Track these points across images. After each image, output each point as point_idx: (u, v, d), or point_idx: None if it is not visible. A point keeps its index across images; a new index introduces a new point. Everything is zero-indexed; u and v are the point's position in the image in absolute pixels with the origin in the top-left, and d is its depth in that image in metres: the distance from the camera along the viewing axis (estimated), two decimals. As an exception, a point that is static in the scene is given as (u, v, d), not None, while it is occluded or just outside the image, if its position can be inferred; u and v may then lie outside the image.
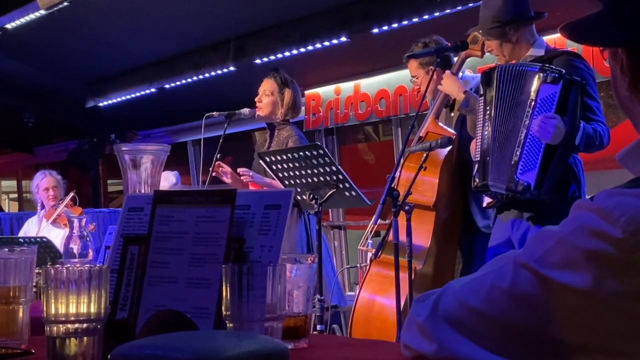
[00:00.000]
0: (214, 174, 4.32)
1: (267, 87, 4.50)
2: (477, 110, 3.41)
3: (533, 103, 3.19)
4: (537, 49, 3.46)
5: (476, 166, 3.34)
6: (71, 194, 5.78)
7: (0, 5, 7.04)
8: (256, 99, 4.52)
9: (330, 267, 4.51)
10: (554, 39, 5.08)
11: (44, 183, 5.78)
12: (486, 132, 3.31)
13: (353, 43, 5.95)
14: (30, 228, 5.77)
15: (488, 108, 3.32)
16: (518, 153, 3.18)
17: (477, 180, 3.33)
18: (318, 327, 3.42)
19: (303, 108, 6.82)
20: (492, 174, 3.26)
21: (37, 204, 5.88)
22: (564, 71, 3.19)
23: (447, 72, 3.75)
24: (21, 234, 5.87)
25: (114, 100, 8.42)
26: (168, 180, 5.31)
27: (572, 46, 5.07)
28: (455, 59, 3.90)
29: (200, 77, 7.17)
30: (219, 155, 4.37)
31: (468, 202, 3.74)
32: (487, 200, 3.44)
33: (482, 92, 3.38)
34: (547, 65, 3.24)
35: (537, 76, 3.19)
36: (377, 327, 3.59)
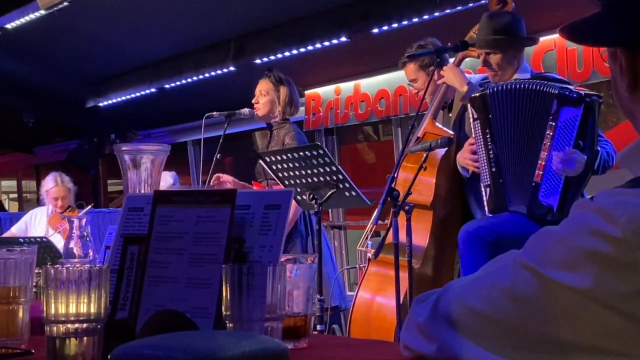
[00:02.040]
0: (215, 186, 4.32)
1: (262, 87, 4.52)
2: (472, 132, 3.40)
3: (554, 125, 3.13)
4: (523, 73, 3.47)
5: (488, 190, 3.30)
6: (80, 215, 5.70)
7: (0, 5, 7.04)
8: (253, 101, 4.54)
9: (331, 266, 4.51)
10: (553, 39, 5.09)
11: (53, 192, 5.69)
12: (492, 155, 3.28)
13: (353, 43, 5.95)
14: (36, 221, 5.72)
15: (488, 130, 3.29)
16: (540, 175, 3.15)
17: (492, 204, 3.30)
18: (318, 327, 3.42)
19: (303, 108, 6.82)
20: (510, 195, 3.24)
21: (46, 206, 5.82)
22: (583, 93, 3.14)
23: (450, 64, 3.75)
24: (22, 222, 5.82)
25: (114, 100, 8.42)
26: (165, 180, 5.29)
27: (571, 46, 5.08)
28: (452, 60, 3.90)
29: (200, 77, 7.17)
30: (219, 155, 4.38)
31: (467, 202, 3.74)
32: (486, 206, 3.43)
33: (475, 116, 3.35)
34: (565, 86, 3.20)
35: (556, 98, 3.13)
36: (376, 326, 3.59)
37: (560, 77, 3.59)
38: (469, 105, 3.42)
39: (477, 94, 3.36)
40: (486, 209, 3.37)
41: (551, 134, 3.13)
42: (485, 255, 3.09)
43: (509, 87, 3.27)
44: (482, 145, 3.32)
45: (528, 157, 3.21)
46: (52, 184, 5.73)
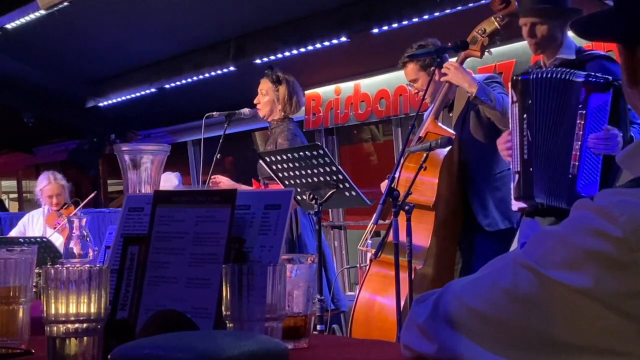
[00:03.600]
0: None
1: (262, 87, 4.54)
2: (508, 116, 3.30)
3: (584, 113, 3.05)
4: (567, 51, 3.33)
5: (516, 177, 3.22)
6: (75, 211, 5.67)
7: (0, 5, 7.04)
8: (255, 101, 4.55)
9: (330, 269, 4.52)
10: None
11: (47, 190, 5.69)
12: (526, 142, 3.20)
13: (353, 43, 5.95)
14: (33, 223, 5.71)
15: (526, 116, 3.16)
16: (576, 166, 3.07)
17: (518, 191, 3.24)
18: (318, 327, 3.42)
19: (303, 108, 6.81)
20: (538, 186, 3.17)
21: (42, 205, 5.82)
22: (610, 78, 3.04)
23: (454, 63, 3.68)
24: (20, 224, 5.82)
25: (114, 100, 8.42)
26: (170, 181, 5.29)
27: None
28: (452, 60, 3.89)
29: (200, 77, 7.17)
30: (219, 155, 4.39)
31: (469, 202, 3.74)
32: (518, 205, 3.34)
33: (515, 99, 3.25)
34: (592, 73, 3.10)
35: (584, 86, 3.06)
36: (377, 327, 3.59)
37: (608, 56, 3.48)
38: (509, 87, 3.32)
39: (520, 77, 3.25)
40: (513, 195, 3.30)
41: (582, 122, 3.03)
42: None
43: (549, 75, 3.15)
44: (518, 130, 3.22)
45: (561, 149, 3.10)
46: (46, 182, 5.74)
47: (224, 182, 4.42)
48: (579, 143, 3.07)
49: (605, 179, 3.05)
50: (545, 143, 3.17)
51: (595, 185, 3.04)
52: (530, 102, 3.19)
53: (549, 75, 3.17)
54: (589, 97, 3.05)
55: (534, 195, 3.17)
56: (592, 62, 3.27)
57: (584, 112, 3.06)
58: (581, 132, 3.06)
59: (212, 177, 4.43)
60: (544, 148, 3.17)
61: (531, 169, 3.17)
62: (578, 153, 3.07)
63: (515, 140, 3.24)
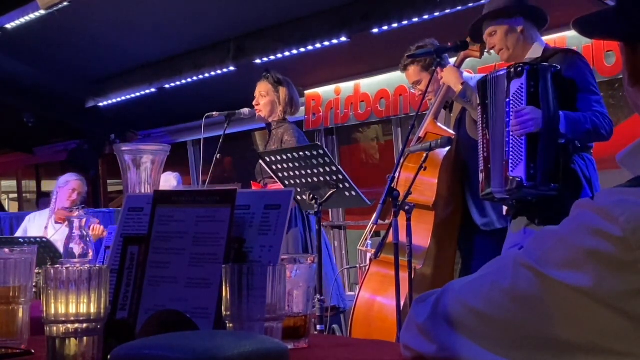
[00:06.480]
0: None
1: (261, 89, 4.53)
2: (476, 114, 3.40)
3: (508, 101, 3.20)
4: (536, 50, 3.45)
5: (482, 176, 3.31)
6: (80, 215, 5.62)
7: (0, 5, 7.04)
8: (254, 103, 4.55)
9: (330, 267, 4.52)
10: (553, 39, 5.09)
11: (74, 184, 5.69)
12: (485, 140, 3.31)
13: (353, 43, 5.95)
14: (35, 223, 5.69)
15: (485, 116, 3.32)
16: (506, 152, 3.19)
17: (482, 190, 3.31)
18: (318, 327, 3.42)
19: (303, 108, 6.81)
20: (493, 181, 3.25)
21: (52, 199, 5.77)
22: (530, 63, 3.19)
23: (450, 65, 3.75)
24: (21, 229, 5.81)
25: (114, 100, 8.41)
26: (169, 182, 5.28)
27: (571, 46, 5.07)
28: (453, 60, 3.90)
29: (200, 77, 7.17)
30: (219, 155, 4.39)
31: (466, 202, 3.75)
32: (505, 208, 3.42)
33: (478, 102, 3.37)
34: (515, 63, 3.25)
35: (505, 76, 3.22)
36: (377, 327, 3.59)
37: (571, 50, 3.60)
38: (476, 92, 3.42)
39: (480, 79, 3.37)
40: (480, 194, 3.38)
41: (507, 109, 3.20)
42: None
43: (493, 75, 3.31)
44: (480, 130, 3.33)
45: (500, 139, 3.23)
46: (75, 177, 5.78)
47: None
48: (506, 129, 3.21)
49: (532, 158, 3.14)
50: (493, 137, 3.29)
51: (522, 166, 3.16)
52: (487, 101, 3.33)
53: (493, 75, 3.32)
54: (509, 84, 3.22)
55: (492, 191, 3.26)
56: (554, 56, 3.37)
57: (508, 99, 3.22)
58: (508, 119, 3.21)
59: None
60: (494, 143, 3.26)
61: (489, 166, 3.27)
62: (507, 139, 3.20)
63: (480, 140, 3.36)
